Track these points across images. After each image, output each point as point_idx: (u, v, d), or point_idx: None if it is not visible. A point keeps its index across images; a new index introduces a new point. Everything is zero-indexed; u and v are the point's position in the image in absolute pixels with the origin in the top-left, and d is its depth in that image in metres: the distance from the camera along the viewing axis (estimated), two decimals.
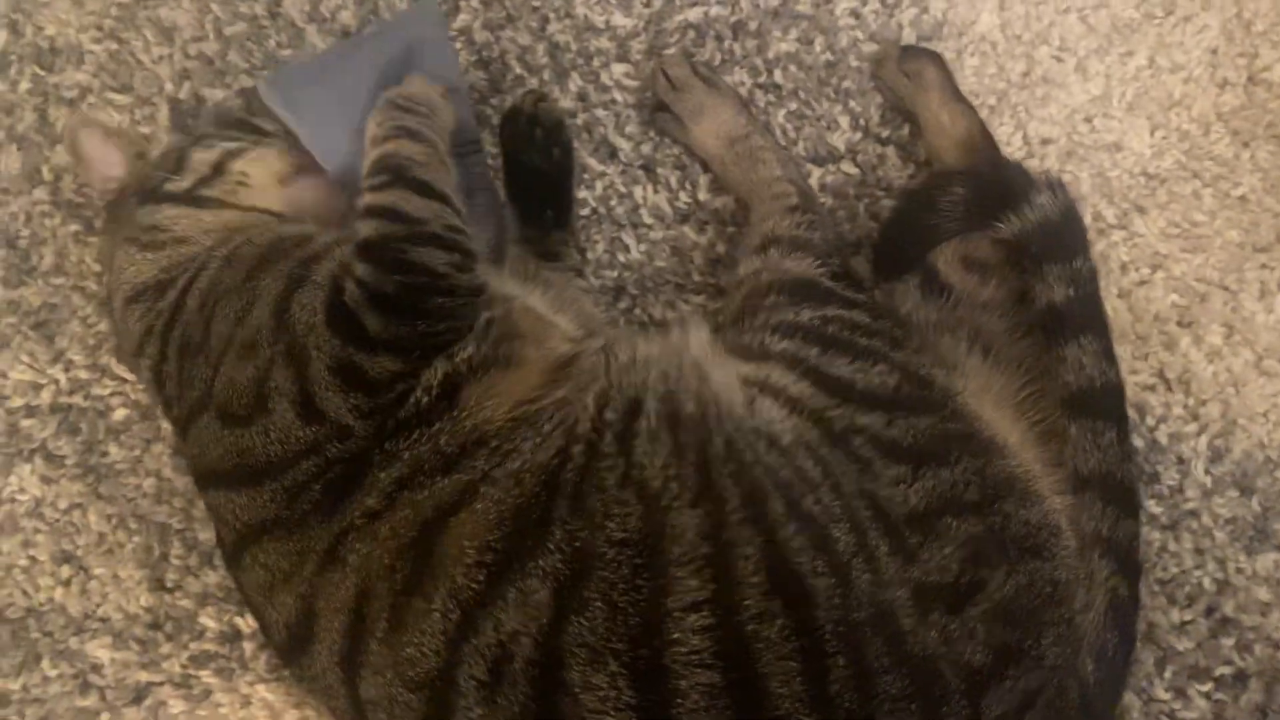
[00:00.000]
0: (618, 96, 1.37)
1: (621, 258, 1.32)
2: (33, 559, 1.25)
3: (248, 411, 0.97)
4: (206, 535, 1.23)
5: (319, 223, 1.13)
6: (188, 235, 1.12)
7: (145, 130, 1.38)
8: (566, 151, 1.29)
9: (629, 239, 1.32)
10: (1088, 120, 1.37)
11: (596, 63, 1.39)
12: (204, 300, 1.04)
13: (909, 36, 1.38)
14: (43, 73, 1.42)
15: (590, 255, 1.32)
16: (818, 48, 1.38)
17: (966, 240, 1.18)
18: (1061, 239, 1.12)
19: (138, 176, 1.18)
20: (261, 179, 1.16)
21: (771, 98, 1.36)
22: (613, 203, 1.34)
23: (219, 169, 1.15)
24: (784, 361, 1.03)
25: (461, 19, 1.40)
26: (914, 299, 1.19)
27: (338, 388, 0.95)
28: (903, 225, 1.19)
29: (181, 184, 1.14)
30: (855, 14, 1.39)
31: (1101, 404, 1.08)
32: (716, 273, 1.31)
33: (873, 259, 1.24)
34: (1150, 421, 1.26)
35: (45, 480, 1.27)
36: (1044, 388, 1.10)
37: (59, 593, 1.24)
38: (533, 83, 1.38)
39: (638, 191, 1.34)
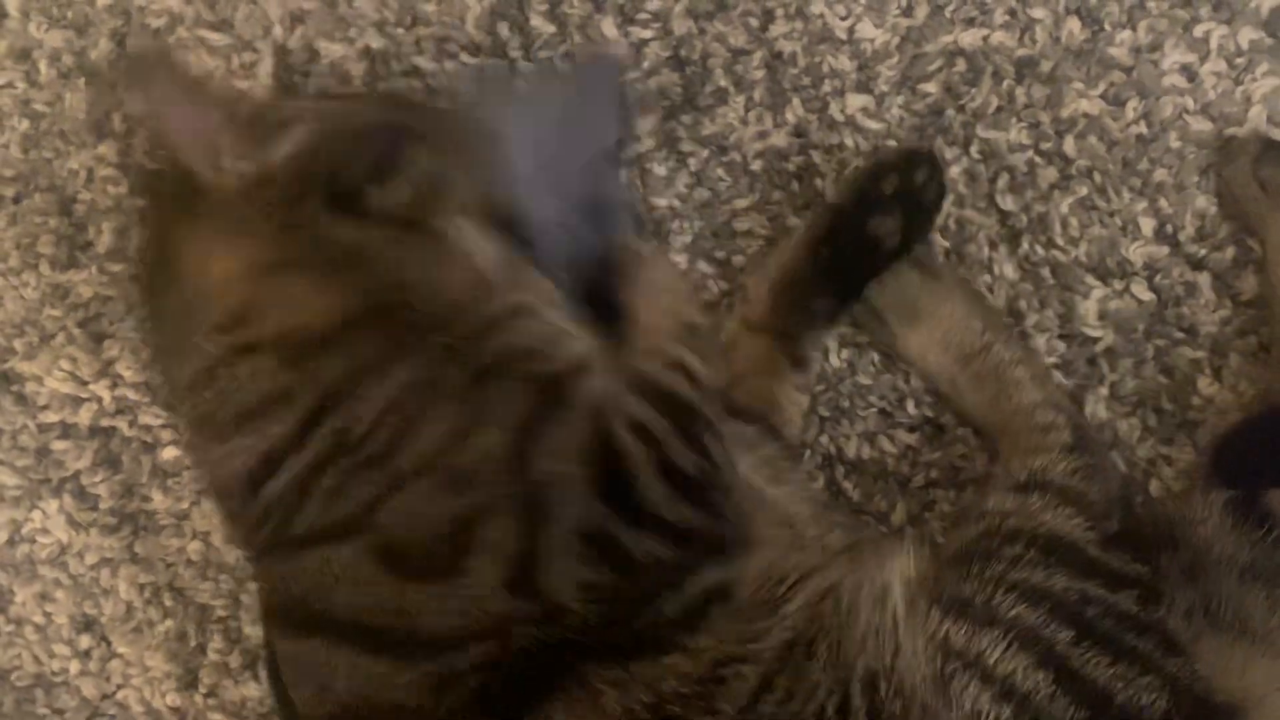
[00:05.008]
0: (848, 140, 1.03)
1: (815, 364, 1.01)
2: (49, 618, 1.04)
3: (431, 561, 0.73)
4: (253, 631, 1.01)
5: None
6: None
7: (244, 85, 1.10)
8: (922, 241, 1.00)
9: (829, 338, 1.01)
10: None
11: (828, 87, 1.04)
12: (403, 390, 0.76)
13: (1257, 117, 1.01)
14: None
15: None
16: (1129, 114, 1.01)
17: None
18: None
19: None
20: None
21: (1056, 175, 1.01)
22: None
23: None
24: (1016, 635, 0.72)
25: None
26: (1217, 519, 0.88)
27: (582, 558, 0.73)
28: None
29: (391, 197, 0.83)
30: (1189, 73, 1.02)
31: None
32: (938, 407, 1.00)
33: (1208, 459, 0.92)
34: None
35: (73, 524, 1.04)
36: None
37: (74, 666, 1.03)
38: (739, 103, 1.05)
39: None
